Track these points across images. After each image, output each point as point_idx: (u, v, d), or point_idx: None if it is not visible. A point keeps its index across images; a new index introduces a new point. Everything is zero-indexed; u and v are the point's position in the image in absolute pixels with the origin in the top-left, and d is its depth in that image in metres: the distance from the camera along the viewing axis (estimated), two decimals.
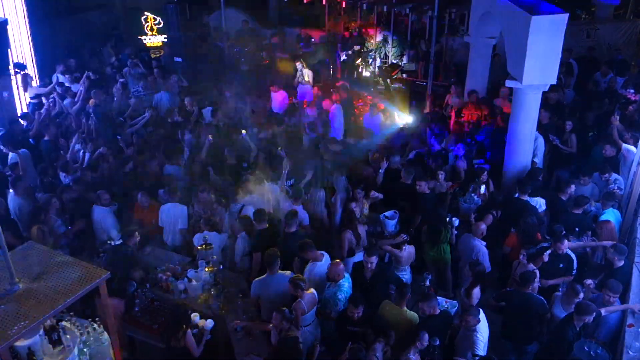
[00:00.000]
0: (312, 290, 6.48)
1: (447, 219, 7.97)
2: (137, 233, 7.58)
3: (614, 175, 8.80)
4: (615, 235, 7.84)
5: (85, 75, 12.42)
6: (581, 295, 6.40)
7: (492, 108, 11.13)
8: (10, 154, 9.60)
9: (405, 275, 7.81)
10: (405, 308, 6.43)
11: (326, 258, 7.14)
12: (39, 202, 8.58)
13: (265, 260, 6.82)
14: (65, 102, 11.98)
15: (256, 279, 6.88)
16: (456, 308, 7.02)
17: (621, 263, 6.95)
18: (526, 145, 9.15)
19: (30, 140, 10.40)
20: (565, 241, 7.22)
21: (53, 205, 8.18)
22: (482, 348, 6.11)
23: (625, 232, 8.28)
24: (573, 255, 7.34)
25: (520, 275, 6.77)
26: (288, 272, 6.84)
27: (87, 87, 12.15)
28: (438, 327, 6.18)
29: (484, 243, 7.70)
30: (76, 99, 12.00)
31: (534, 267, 7.05)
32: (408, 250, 7.74)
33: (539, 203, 8.46)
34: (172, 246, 8.40)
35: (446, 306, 6.99)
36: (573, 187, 8.43)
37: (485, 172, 8.94)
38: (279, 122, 11.19)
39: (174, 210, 8.34)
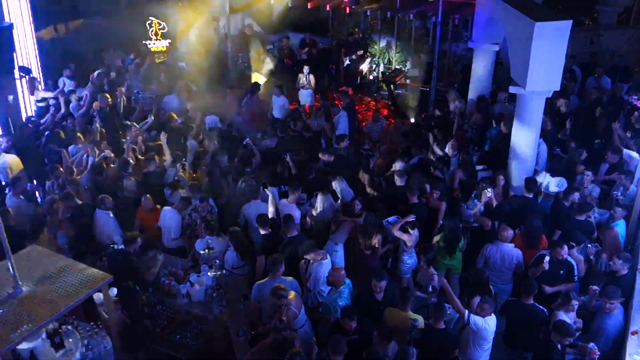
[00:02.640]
0: (293, 293, 6.49)
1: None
2: (139, 239, 7.54)
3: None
4: (619, 242, 7.81)
5: (90, 80, 12.48)
6: (574, 302, 6.36)
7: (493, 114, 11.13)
8: (1, 160, 9.63)
9: (412, 258, 8.01)
10: (409, 312, 6.44)
11: (328, 257, 7.24)
12: (38, 204, 8.65)
13: (269, 264, 6.83)
14: (71, 105, 12.03)
15: (257, 283, 6.89)
16: (457, 316, 7.00)
17: (625, 271, 6.93)
18: (530, 151, 9.13)
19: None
20: (565, 247, 7.18)
21: (55, 209, 8.21)
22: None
23: (629, 239, 8.25)
24: (574, 262, 7.31)
25: (522, 286, 6.75)
26: (290, 278, 6.85)
27: (92, 91, 12.21)
28: (439, 345, 6.18)
29: (513, 245, 7.67)
30: (82, 103, 12.06)
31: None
32: (415, 234, 7.92)
33: (562, 182, 8.76)
34: (169, 249, 8.40)
35: (449, 312, 6.96)
36: (577, 194, 8.40)
37: (502, 178, 8.87)
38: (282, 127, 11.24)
39: (170, 216, 8.36)
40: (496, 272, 7.63)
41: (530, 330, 6.65)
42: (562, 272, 7.22)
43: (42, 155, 10.40)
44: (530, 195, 8.56)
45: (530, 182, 8.63)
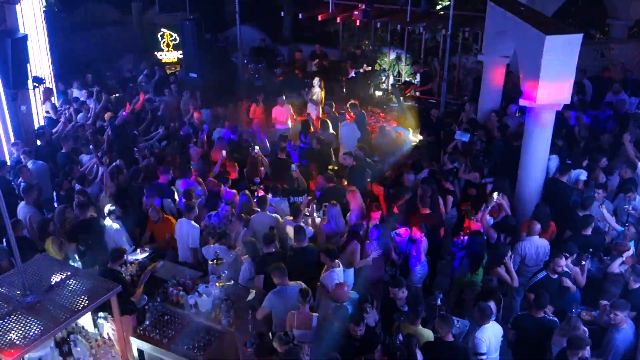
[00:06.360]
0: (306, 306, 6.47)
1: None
2: (125, 255, 7.44)
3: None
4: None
5: (95, 90, 12.63)
6: (580, 331, 6.24)
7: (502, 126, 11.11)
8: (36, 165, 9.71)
9: (424, 267, 8.02)
10: (419, 326, 6.39)
11: (341, 266, 7.26)
12: (47, 214, 8.68)
13: (272, 273, 6.79)
14: (79, 116, 12.17)
15: (272, 290, 6.83)
16: (467, 327, 6.95)
17: (637, 285, 6.84)
18: (540, 164, 9.09)
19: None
20: (563, 259, 7.08)
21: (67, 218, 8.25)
22: (482, 348, 6.15)
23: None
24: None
25: (534, 301, 6.67)
26: (302, 284, 6.84)
27: (104, 103, 12.35)
28: (448, 357, 6.11)
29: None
30: (89, 114, 12.20)
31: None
32: (424, 242, 7.94)
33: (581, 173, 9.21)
34: (184, 261, 8.36)
35: (458, 325, 6.91)
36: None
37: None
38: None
39: (187, 227, 8.29)
40: (531, 268, 7.69)
41: (540, 343, 6.53)
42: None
43: (57, 163, 10.46)
44: (564, 179, 8.93)
45: (566, 167, 9.06)
